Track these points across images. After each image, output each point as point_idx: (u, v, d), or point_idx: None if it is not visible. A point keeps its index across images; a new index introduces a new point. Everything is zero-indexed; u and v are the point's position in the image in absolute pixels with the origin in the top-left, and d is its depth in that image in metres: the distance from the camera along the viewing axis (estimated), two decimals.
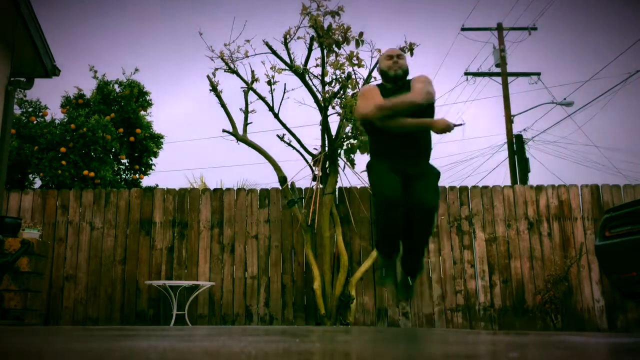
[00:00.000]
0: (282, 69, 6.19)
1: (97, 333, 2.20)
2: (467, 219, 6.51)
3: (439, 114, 3.88)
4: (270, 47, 6.11)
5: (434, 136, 3.56)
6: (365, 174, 6.30)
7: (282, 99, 6.33)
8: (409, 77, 3.59)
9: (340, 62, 5.95)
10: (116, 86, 8.80)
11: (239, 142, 6.42)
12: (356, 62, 5.99)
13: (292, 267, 6.36)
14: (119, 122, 8.49)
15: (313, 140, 6.89)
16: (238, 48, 6.27)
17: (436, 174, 3.54)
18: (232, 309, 6.24)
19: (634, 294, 4.06)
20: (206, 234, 6.42)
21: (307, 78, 6.11)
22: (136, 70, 8.98)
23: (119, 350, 1.30)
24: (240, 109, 6.51)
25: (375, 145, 3.59)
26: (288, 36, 6.10)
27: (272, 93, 6.33)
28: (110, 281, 6.28)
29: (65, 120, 8.15)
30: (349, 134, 6.14)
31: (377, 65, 3.73)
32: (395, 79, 3.51)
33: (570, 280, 6.26)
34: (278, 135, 6.32)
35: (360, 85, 6.06)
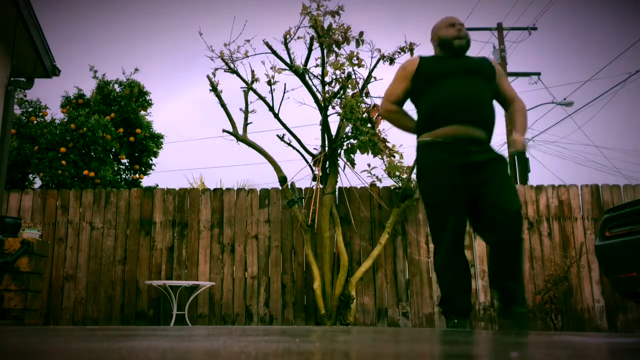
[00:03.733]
0: (282, 69, 6.19)
1: (97, 333, 2.20)
2: None
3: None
4: (270, 47, 6.11)
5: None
6: (366, 174, 6.13)
7: (282, 99, 6.33)
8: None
9: (340, 62, 5.95)
10: (116, 86, 8.81)
11: (239, 142, 6.42)
12: (356, 62, 5.99)
13: (292, 267, 6.36)
14: (119, 122, 8.50)
15: (313, 140, 6.89)
16: (238, 48, 6.28)
17: (506, 161, 3.11)
18: (232, 309, 6.24)
19: (634, 294, 4.05)
20: (206, 234, 6.42)
21: (307, 78, 6.11)
22: (136, 70, 8.99)
23: (119, 350, 1.30)
24: (240, 109, 6.52)
25: (425, 114, 3.08)
26: (288, 36, 6.10)
27: (272, 93, 6.33)
28: (110, 281, 6.28)
29: (65, 120, 8.15)
30: (349, 134, 6.14)
31: (434, 36, 3.25)
32: (459, 51, 3.12)
33: (570, 280, 6.25)
34: (278, 135, 6.33)
35: (360, 86, 6.05)
